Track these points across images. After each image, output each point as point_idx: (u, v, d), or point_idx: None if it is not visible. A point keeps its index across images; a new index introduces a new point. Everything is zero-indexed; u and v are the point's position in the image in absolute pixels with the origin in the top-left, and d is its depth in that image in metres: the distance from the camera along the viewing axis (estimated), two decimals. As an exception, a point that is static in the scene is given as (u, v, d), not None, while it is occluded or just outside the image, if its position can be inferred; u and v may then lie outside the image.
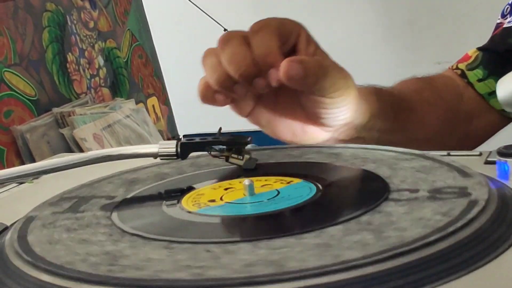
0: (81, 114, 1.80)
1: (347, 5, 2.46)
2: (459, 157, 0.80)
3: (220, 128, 0.85)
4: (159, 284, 0.51)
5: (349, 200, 0.73)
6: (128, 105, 1.98)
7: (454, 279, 0.51)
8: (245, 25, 2.39)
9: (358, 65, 2.42)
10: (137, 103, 2.05)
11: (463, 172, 0.74)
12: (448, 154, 0.82)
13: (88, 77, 1.95)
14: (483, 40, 2.28)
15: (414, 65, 2.40)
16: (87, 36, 1.98)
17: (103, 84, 2.00)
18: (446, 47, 2.37)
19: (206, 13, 2.07)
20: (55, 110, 1.78)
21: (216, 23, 2.05)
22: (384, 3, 2.43)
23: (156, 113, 2.24)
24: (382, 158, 0.82)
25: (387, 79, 2.37)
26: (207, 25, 2.05)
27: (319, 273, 0.50)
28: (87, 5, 2.01)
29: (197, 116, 2.01)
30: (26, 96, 1.71)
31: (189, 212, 0.67)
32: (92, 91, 1.96)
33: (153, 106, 2.21)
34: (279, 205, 0.67)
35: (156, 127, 2.08)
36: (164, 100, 2.29)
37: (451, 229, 0.56)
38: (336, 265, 0.51)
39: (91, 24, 2.01)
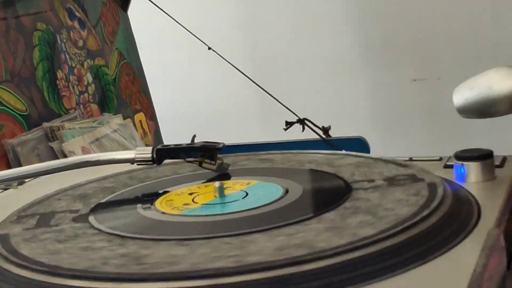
0: (70, 129, 1.80)
1: (327, 27, 2.47)
2: (421, 162, 0.80)
3: (194, 136, 0.85)
4: (210, 273, 0.51)
5: (323, 192, 0.73)
6: (115, 120, 1.98)
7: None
8: (229, 43, 2.40)
9: (338, 83, 2.44)
10: (124, 118, 2.04)
11: (399, 164, 0.77)
12: (410, 159, 0.81)
13: (77, 93, 1.94)
14: (456, 58, 2.31)
15: (391, 83, 2.42)
16: (76, 54, 1.98)
17: (91, 100, 2.00)
18: (421, 65, 2.39)
19: (190, 32, 2.07)
20: (45, 124, 1.78)
21: (201, 42, 2.05)
22: (361, 25, 2.44)
23: (143, 128, 2.23)
24: (315, 159, 0.83)
25: (366, 96, 2.40)
26: (192, 43, 2.06)
27: (349, 248, 0.52)
28: (76, 25, 2.01)
29: (183, 131, 2.02)
30: (17, 112, 1.71)
31: (173, 214, 0.67)
32: (81, 106, 1.95)
33: (140, 121, 2.21)
34: (261, 201, 0.67)
35: (144, 142, 2.08)
36: (151, 115, 2.28)
37: (435, 203, 0.60)
38: (360, 241, 0.53)
39: (80, 43, 2.00)
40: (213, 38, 2.16)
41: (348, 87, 2.46)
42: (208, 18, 2.41)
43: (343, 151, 0.85)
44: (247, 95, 2.14)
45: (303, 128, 1.96)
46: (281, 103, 2.08)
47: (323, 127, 1.97)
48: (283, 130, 1.95)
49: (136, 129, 2.09)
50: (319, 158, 0.82)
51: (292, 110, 2.01)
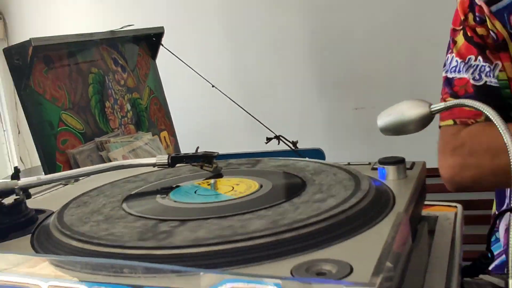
0: (114, 142, 1.80)
1: (294, 73, 2.46)
2: (356, 166, 0.80)
3: (198, 147, 0.85)
4: (254, 235, 0.50)
5: (287, 187, 0.72)
6: (147, 136, 1.98)
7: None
8: (226, 83, 2.38)
9: (303, 110, 2.43)
10: (153, 135, 2.04)
11: (341, 167, 0.76)
12: (349, 163, 0.80)
13: (120, 117, 1.95)
14: (384, 93, 2.31)
15: (340, 110, 2.42)
16: (119, 90, 1.98)
17: (130, 122, 2.00)
18: (360, 98, 2.39)
19: (199, 74, 2.08)
20: (97, 139, 1.78)
21: (206, 81, 2.07)
22: (318, 68, 2.44)
23: (166, 142, 2.23)
24: (286, 164, 0.81)
25: (323, 119, 2.41)
26: (199, 82, 2.07)
27: (305, 224, 0.53)
28: (119, 69, 2.02)
29: (192, 144, 2.02)
30: (77, 130, 1.72)
31: (181, 202, 0.65)
32: (122, 127, 1.95)
33: (164, 137, 2.21)
34: (242, 193, 0.66)
35: (166, 152, 2.09)
36: (172, 133, 2.29)
37: (364, 193, 0.60)
38: (311, 217, 0.54)
39: (122, 82, 2.01)
40: (215, 77, 2.17)
41: (310, 113, 2.47)
42: (209, 61, 2.41)
43: (306, 158, 0.84)
44: (238, 118, 2.15)
45: (278, 142, 1.96)
46: (262, 124, 2.08)
47: (292, 141, 1.97)
48: (264, 144, 1.96)
49: (161, 143, 2.09)
50: (288, 163, 0.81)
51: (271, 129, 2.01)
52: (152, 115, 2.19)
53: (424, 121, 0.71)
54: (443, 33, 2.13)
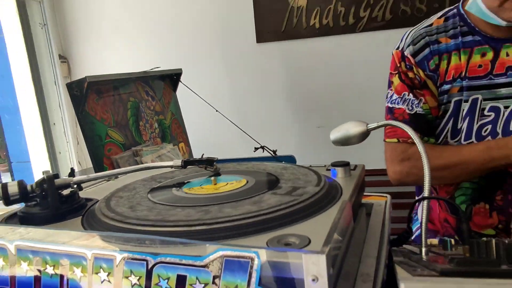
0: (145, 150, 1.79)
1: (272, 100, 2.44)
2: (316, 167, 0.79)
3: (203, 154, 0.84)
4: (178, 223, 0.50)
5: (266, 182, 0.69)
6: (169, 146, 1.96)
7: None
8: (227, 107, 2.35)
9: (280, 128, 2.41)
10: (174, 145, 2.03)
11: (305, 167, 0.76)
12: (310, 166, 0.80)
13: (150, 133, 1.93)
14: (340, 114, 2.33)
15: (307, 128, 2.42)
16: (149, 113, 1.97)
17: (157, 136, 1.99)
18: (323, 118, 2.39)
19: (205, 101, 2.07)
20: (133, 148, 1.77)
21: (211, 107, 2.06)
22: (292, 98, 2.44)
23: (183, 150, 2.21)
24: (267, 167, 0.80)
25: (295, 134, 2.41)
26: (206, 107, 2.06)
27: (278, 209, 0.52)
28: (150, 99, 2.01)
29: (203, 151, 2.01)
30: (118, 142, 1.70)
31: (191, 193, 0.65)
32: (152, 139, 1.94)
33: (182, 147, 2.19)
34: (232, 187, 0.65)
35: (183, 158, 2.08)
36: (187, 144, 2.27)
37: (320, 187, 0.58)
38: (282, 204, 0.53)
39: (151, 107, 2.00)
40: (218, 104, 2.16)
41: (287, 129, 2.46)
42: (214, 92, 2.41)
43: (283, 163, 0.84)
44: (234, 133, 2.13)
45: (263, 151, 1.96)
46: (251, 137, 2.07)
47: (273, 150, 1.97)
48: (253, 152, 1.95)
49: (179, 151, 2.08)
50: (268, 166, 0.81)
51: (257, 141, 2.01)
52: (173, 131, 2.18)
53: (363, 136, 0.71)
54: (381, 77, 2.13)
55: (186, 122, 2.24)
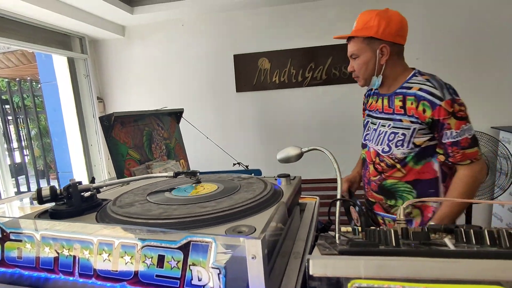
0: (155, 164, 1.74)
1: (246, 131, 2.37)
2: (268, 178, 0.76)
3: (189, 168, 0.82)
4: (168, 217, 0.48)
5: (233, 188, 0.69)
6: (173, 162, 1.91)
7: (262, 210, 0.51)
8: (214, 135, 2.32)
9: (253, 149, 2.42)
10: (176, 161, 1.98)
11: (260, 179, 0.73)
12: (264, 177, 0.78)
13: (159, 152, 1.88)
14: (292, 141, 2.35)
15: (269, 151, 2.40)
16: (159, 139, 1.92)
17: (164, 154, 1.94)
18: (280, 145, 2.38)
19: (199, 130, 2.04)
20: (146, 163, 1.71)
21: (203, 134, 2.04)
22: (261, 130, 2.42)
23: (183, 165, 2.15)
24: (239, 177, 0.77)
25: (262, 156, 2.40)
26: (199, 135, 2.04)
27: (235, 207, 0.50)
28: (160, 129, 1.96)
29: (198, 166, 1.96)
30: (136, 158, 1.64)
31: (178, 196, 0.62)
32: (160, 157, 1.88)
33: (182, 162, 2.14)
34: (207, 191, 0.63)
35: (182, 170, 2.02)
36: (186, 160, 2.21)
37: (268, 191, 0.57)
38: (241, 203, 0.50)
39: (161, 135, 1.95)
40: (208, 132, 2.14)
41: (256, 151, 2.44)
42: (205, 123, 2.38)
43: (252, 175, 0.81)
44: (219, 154, 2.11)
45: (239, 165, 1.95)
46: (231, 157, 2.06)
47: (246, 165, 1.96)
48: (232, 166, 1.94)
49: (180, 165, 2.04)
50: (236, 177, 0.78)
51: (235, 159, 2.00)
52: (176, 151, 2.13)
53: (299, 157, 0.72)
54: (319, 116, 2.13)
55: (186, 145, 2.21)
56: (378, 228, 0.46)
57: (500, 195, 1.65)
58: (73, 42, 2.41)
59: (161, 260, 0.40)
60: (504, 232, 0.33)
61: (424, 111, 0.85)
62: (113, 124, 1.50)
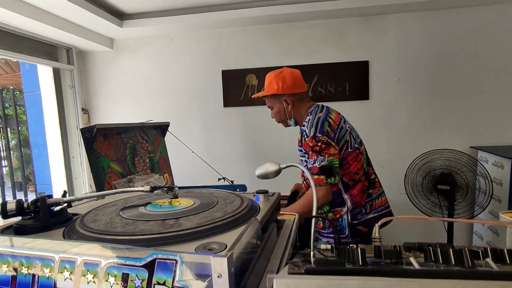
0: (137, 178, 1.70)
1: (233, 148, 2.37)
2: (247, 194, 0.76)
3: (167, 183, 0.81)
4: (143, 233, 0.47)
5: (211, 203, 0.68)
6: (156, 176, 1.88)
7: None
8: (200, 150, 2.29)
9: (237, 166, 2.40)
10: (160, 175, 1.95)
11: (239, 195, 0.72)
12: (243, 192, 0.78)
13: (142, 165, 1.85)
14: (278, 156, 2.35)
15: (254, 166, 2.39)
16: (143, 152, 1.90)
17: (148, 168, 1.91)
18: (264, 158, 2.39)
19: (185, 145, 2.02)
20: (128, 176, 1.68)
21: (189, 149, 2.02)
22: (245, 149, 2.41)
23: (167, 179, 2.12)
24: (222, 193, 0.76)
25: (246, 172, 2.38)
26: (185, 149, 2.02)
27: (210, 223, 0.48)
28: (144, 142, 1.94)
29: (183, 181, 1.93)
30: (117, 171, 1.61)
31: (153, 211, 0.60)
32: (143, 170, 1.85)
33: (166, 177, 2.11)
34: (184, 207, 0.62)
35: (167, 184, 1.99)
36: (171, 174, 2.18)
37: (246, 206, 0.56)
38: (216, 219, 0.49)
39: (145, 148, 1.92)
40: (194, 147, 2.12)
41: (241, 169, 2.42)
42: (191, 138, 2.36)
43: (237, 190, 0.81)
44: (205, 168, 2.09)
45: (224, 180, 1.93)
46: (216, 171, 2.04)
47: (231, 180, 1.95)
48: (217, 181, 1.92)
49: (164, 179, 2.00)
50: (215, 192, 0.77)
51: (220, 173, 1.99)
52: (161, 165, 2.10)
53: (277, 173, 0.72)
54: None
55: (171, 158, 2.18)
56: (348, 246, 0.46)
57: (480, 213, 1.69)
58: (60, 53, 2.39)
59: (125, 278, 0.39)
60: (466, 251, 0.34)
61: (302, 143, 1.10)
62: (95, 136, 1.48)
